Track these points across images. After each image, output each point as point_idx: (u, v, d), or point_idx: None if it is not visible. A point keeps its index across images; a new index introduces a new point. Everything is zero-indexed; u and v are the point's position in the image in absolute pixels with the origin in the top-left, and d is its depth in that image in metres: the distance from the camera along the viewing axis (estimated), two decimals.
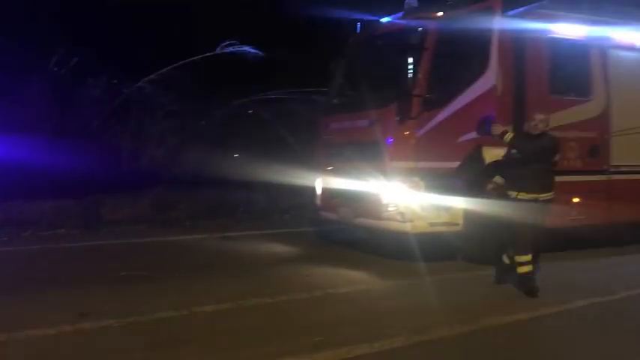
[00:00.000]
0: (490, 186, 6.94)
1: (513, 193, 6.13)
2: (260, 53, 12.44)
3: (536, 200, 6.06)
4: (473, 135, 7.52)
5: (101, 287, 6.18)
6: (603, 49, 8.51)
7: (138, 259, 7.92)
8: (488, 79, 7.65)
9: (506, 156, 6.38)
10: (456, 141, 7.48)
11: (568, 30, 8.24)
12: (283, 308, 5.55)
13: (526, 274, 6.07)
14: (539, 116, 6.20)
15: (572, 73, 8.35)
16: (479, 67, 7.59)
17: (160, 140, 13.07)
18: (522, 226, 6.06)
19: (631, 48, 8.82)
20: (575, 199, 8.11)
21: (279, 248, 8.82)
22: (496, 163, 6.85)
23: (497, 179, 6.82)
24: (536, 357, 4.41)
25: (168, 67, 12.69)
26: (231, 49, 12.52)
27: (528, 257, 6.07)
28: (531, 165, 6.08)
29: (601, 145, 8.40)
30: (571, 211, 8.09)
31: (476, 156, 7.48)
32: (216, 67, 13.53)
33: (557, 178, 7.96)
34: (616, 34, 8.66)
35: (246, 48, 12.50)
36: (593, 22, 8.42)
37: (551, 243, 7.95)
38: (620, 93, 8.49)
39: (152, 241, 9.37)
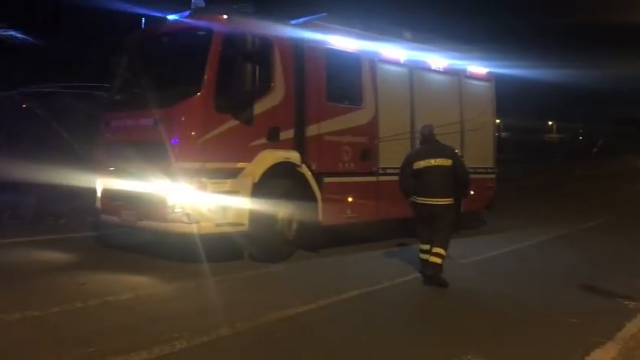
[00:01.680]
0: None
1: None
2: (29, 39, 11.15)
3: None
4: (261, 140, 7.78)
5: None
6: (373, 62, 9.42)
7: None
8: (274, 89, 7.97)
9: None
10: (243, 144, 7.63)
11: (343, 42, 8.95)
12: (53, 321, 5.11)
13: (439, 265, 6.75)
14: None
15: (346, 82, 9.09)
16: (265, 74, 7.78)
17: None
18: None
19: (396, 63, 9.90)
20: (350, 199, 8.84)
21: (53, 255, 8.07)
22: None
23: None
24: (310, 346, 4.69)
25: None
26: None
27: (444, 251, 6.78)
28: None
29: (371, 150, 9.27)
30: (346, 209, 8.80)
31: (260, 158, 7.75)
32: None
33: (334, 180, 8.70)
34: (383, 50, 9.64)
35: (12, 32, 11.11)
36: (365, 37, 9.28)
37: (328, 239, 8.60)
38: (386, 103, 9.47)
39: None
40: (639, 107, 53.03)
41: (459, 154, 6.87)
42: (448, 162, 6.86)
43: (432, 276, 6.78)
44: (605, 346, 4.76)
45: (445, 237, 6.88)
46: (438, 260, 6.77)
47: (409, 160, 7.09)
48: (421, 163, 6.90)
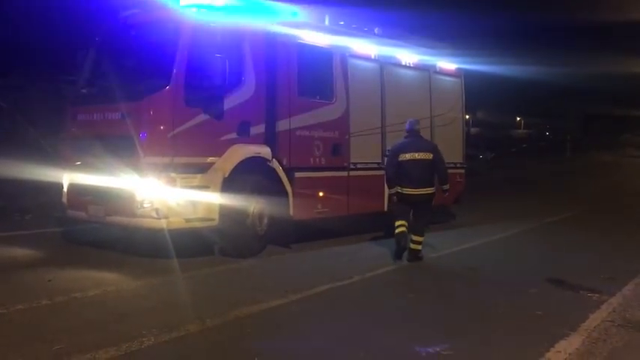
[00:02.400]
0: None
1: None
2: None
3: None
4: (232, 135, 7.71)
5: None
6: (344, 57, 9.41)
7: None
8: (245, 83, 7.90)
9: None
10: (213, 139, 7.56)
11: (314, 37, 8.93)
12: (18, 318, 5.01)
13: (418, 251, 7.74)
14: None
15: (317, 77, 9.06)
16: (235, 68, 7.68)
17: None
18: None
19: (367, 58, 9.92)
20: (321, 194, 8.85)
21: (18, 252, 7.89)
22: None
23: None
24: (281, 341, 4.70)
25: None
26: None
27: (422, 238, 7.73)
28: None
29: (342, 145, 9.29)
30: (317, 204, 8.81)
31: (230, 153, 7.69)
32: None
33: (305, 174, 8.70)
34: (354, 45, 9.65)
35: None
36: (336, 32, 9.27)
37: (299, 234, 8.60)
38: (357, 98, 9.49)
39: None
40: (603, 104, 54.36)
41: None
42: (429, 156, 7.66)
43: (410, 258, 7.71)
44: (569, 338, 4.87)
45: (424, 224, 7.84)
46: (418, 247, 7.76)
47: (395, 152, 7.86)
48: (406, 156, 7.66)
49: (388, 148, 10.06)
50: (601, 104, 55.33)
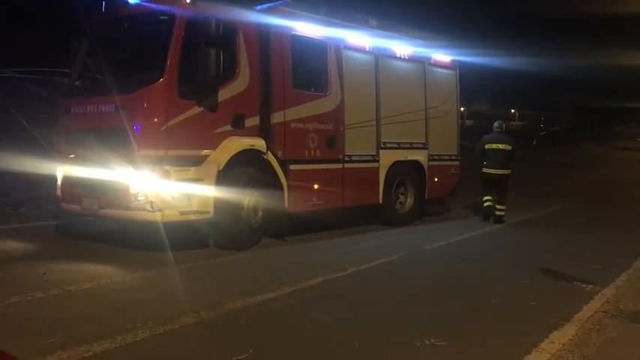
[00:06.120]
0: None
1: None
2: None
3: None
4: (226, 127, 7.68)
5: None
6: (338, 49, 9.38)
7: None
8: (239, 75, 7.86)
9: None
10: (207, 131, 7.53)
11: (308, 29, 8.89)
12: (12, 311, 5.00)
13: (502, 216, 10.81)
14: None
15: (311, 69, 9.04)
16: (229, 60, 7.64)
17: None
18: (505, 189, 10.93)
19: (361, 50, 9.89)
20: (315, 186, 8.84)
21: (12, 245, 7.87)
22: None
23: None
24: (275, 333, 4.70)
25: None
26: None
27: (503, 207, 10.82)
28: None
29: (337, 137, 9.27)
30: (312, 196, 8.81)
31: (225, 145, 7.67)
32: None
33: (300, 167, 8.69)
34: (349, 36, 9.61)
35: None
36: (330, 24, 9.23)
37: (294, 226, 8.60)
38: (351, 90, 9.46)
39: None
40: (597, 96, 54.43)
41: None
42: (509, 147, 10.75)
43: (496, 221, 10.73)
44: (563, 328, 4.90)
45: (504, 196, 10.79)
46: (502, 213, 10.80)
47: (483, 142, 10.93)
48: (492, 145, 10.74)
49: (384, 140, 10.08)
50: (595, 96, 55.45)
